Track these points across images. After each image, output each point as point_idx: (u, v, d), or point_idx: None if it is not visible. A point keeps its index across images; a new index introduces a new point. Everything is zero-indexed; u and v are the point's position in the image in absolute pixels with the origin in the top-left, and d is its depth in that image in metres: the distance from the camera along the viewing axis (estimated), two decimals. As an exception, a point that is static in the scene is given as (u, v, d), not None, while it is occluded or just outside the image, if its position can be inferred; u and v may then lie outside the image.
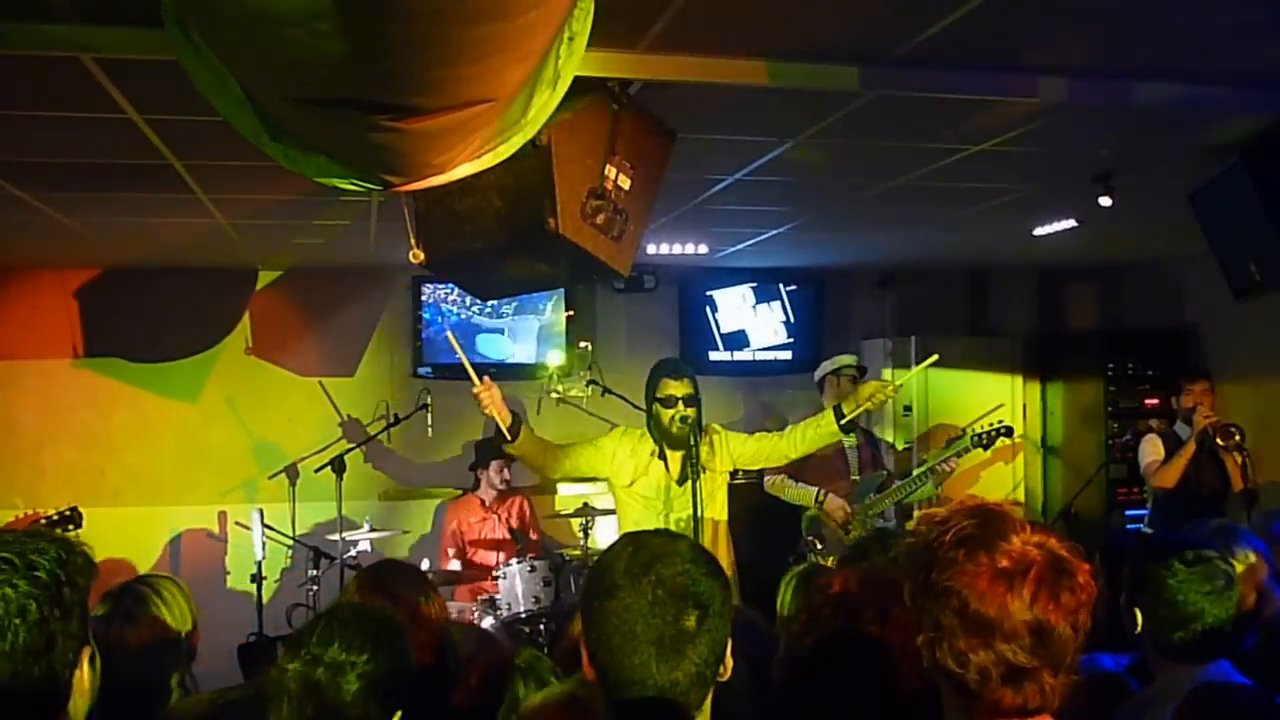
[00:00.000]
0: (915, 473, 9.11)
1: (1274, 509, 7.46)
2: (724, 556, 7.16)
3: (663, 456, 7.05)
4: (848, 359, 9.68)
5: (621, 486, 7.12)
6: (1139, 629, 3.84)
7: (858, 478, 9.25)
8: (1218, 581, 3.78)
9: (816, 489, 8.95)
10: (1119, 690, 4.02)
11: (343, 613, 3.57)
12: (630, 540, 2.73)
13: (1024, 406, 11.51)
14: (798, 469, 9.10)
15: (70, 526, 8.24)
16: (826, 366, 9.73)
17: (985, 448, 9.40)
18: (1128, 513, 10.60)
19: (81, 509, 8.20)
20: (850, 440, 9.23)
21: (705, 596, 2.57)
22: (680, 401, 6.91)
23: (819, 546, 8.81)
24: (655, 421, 7.04)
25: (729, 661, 2.64)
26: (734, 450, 7.24)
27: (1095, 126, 5.70)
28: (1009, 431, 9.41)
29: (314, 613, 7.81)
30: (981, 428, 9.29)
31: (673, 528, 6.87)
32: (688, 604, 2.53)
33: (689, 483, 6.74)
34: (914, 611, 2.42)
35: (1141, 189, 6.88)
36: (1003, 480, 11.32)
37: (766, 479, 9.13)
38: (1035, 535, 2.35)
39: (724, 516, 7.23)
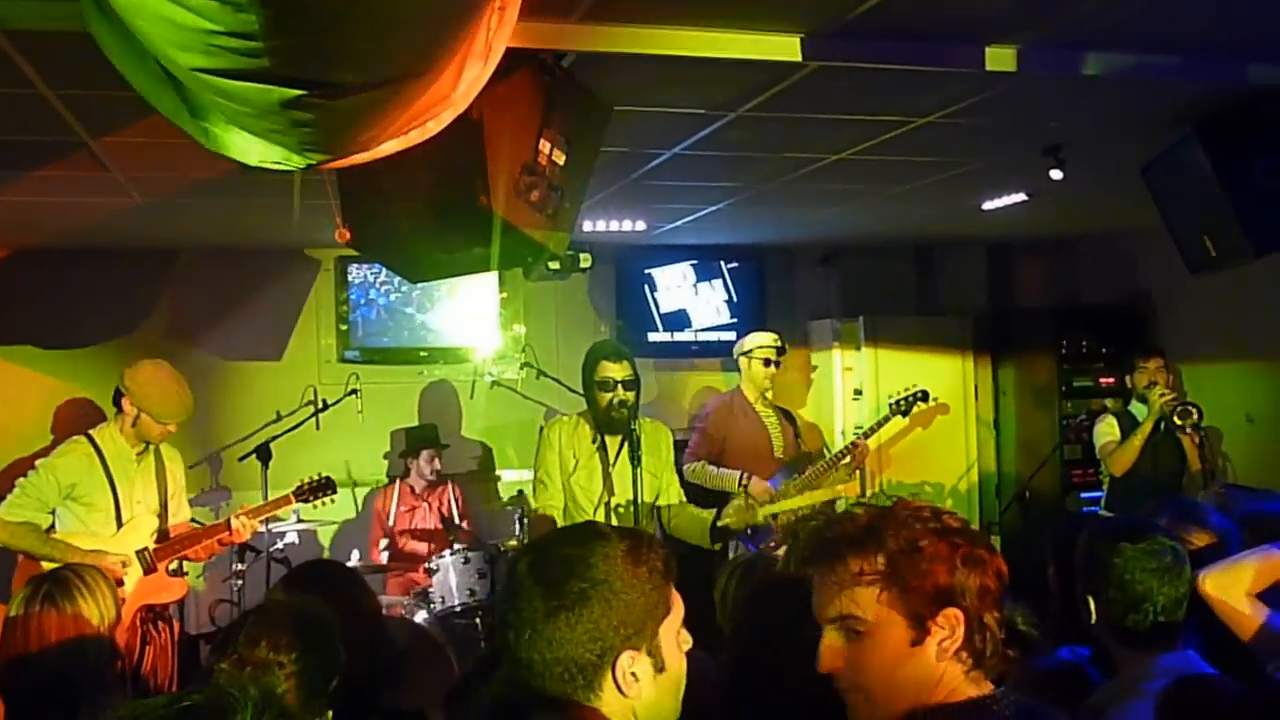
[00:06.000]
0: (830, 454, 9.23)
1: (1230, 485, 7.54)
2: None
3: (603, 446, 7.08)
4: (762, 339, 9.65)
5: (565, 476, 7.14)
6: (1094, 618, 3.86)
7: (782, 456, 9.34)
8: (1165, 559, 3.80)
9: (740, 472, 8.97)
10: (1080, 681, 4.04)
11: (270, 610, 3.57)
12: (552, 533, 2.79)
13: (975, 387, 11.57)
14: (719, 453, 9.18)
15: (326, 494, 8.18)
16: (742, 344, 9.76)
17: (905, 414, 9.63)
18: (1084, 494, 10.66)
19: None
20: (772, 418, 9.33)
21: (589, 584, 2.62)
22: (619, 385, 6.96)
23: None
24: (593, 406, 7.08)
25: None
26: (659, 455, 7.31)
27: (1045, 98, 5.73)
28: (924, 396, 9.65)
29: (239, 609, 7.81)
30: (898, 394, 9.55)
31: (614, 515, 6.92)
32: (565, 586, 2.62)
33: (630, 468, 6.77)
34: None
35: (1093, 161, 6.93)
36: (955, 462, 11.37)
37: (686, 467, 9.06)
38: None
39: (679, 496, 7.34)
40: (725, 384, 11.22)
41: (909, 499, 2.76)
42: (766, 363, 9.42)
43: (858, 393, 11.18)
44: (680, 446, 8.78)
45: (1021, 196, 8.34)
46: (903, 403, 9.59)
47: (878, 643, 2.60)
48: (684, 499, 7.54)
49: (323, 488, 8.13)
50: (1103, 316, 11.14)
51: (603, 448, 7.12)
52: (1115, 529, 3.95)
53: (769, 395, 9.54)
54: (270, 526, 8.43)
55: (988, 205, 8.76)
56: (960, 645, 2.60)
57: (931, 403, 9.98)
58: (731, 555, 7.95)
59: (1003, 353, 11.86)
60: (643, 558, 2.67)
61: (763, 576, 4.23)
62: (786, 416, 9.68)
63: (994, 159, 7.17)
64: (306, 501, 8.09)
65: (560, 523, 7.09)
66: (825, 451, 9.86)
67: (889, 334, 11.24)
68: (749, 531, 8.53)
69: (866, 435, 9.57)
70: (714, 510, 7.34)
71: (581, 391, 7.30)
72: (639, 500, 6.66)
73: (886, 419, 9.72)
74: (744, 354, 9.61)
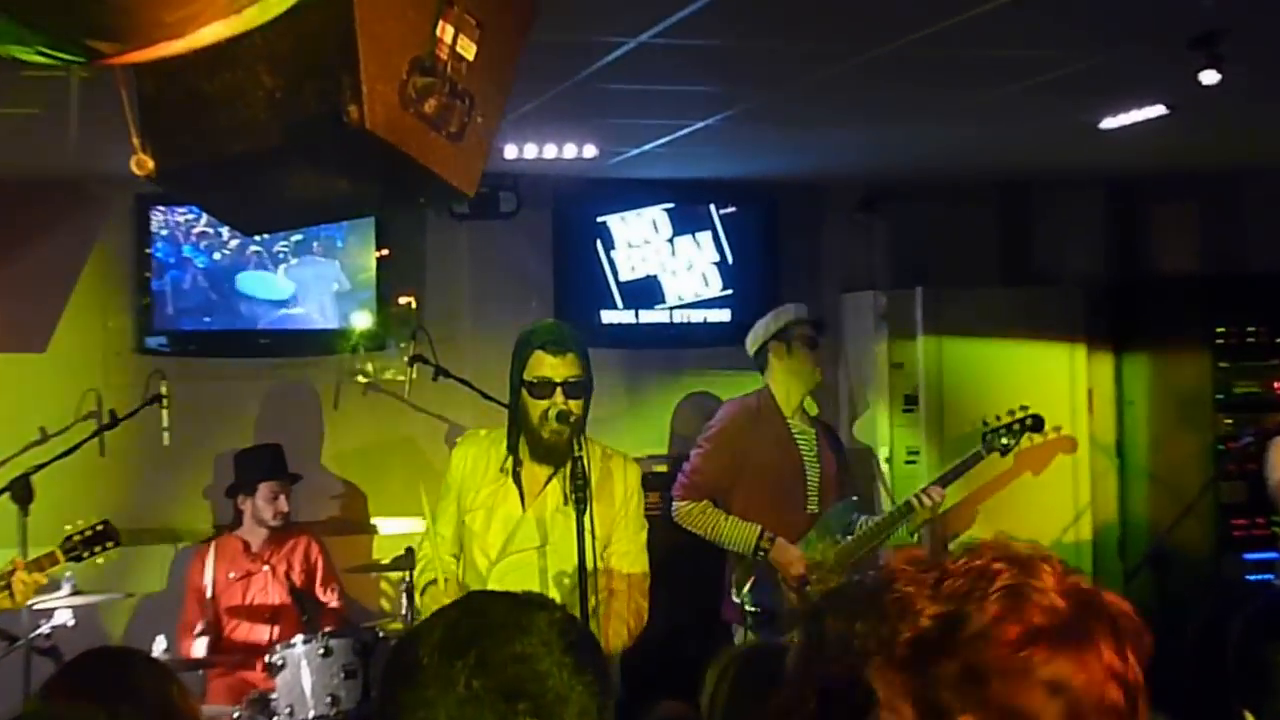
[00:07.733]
0: (889, 508, 9.19)
1: None
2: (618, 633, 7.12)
3: (517, 478, 6.97)
4: (793, 311, 9.67)
5: (463, 515, 7.07)
6: None
7: (816, 509, 9.32)
8: None
9: (760, 528, 8.98)
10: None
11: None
12: (464, 602, 2.79)
13: (1089, 392, 11.58)
14: (727, 490, 9.13)
15: (104, 545, 8.10)
16: (767, 328, 9.70)
17: (1004, 453, 9.48)
18: (1248, 555, 10.66)
19: None
20: (808, 439, 9.28)
21: (551, 699, 2.56)
22: (559, 388, 6.80)
23: (754, 610, 8.80)
24: (521, 417, 6.96)
25: None
26: (613, 504, 7.16)
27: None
28: (1037, 424, 9.54)
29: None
30: (994, 423, 9.38)
31: (548, 585, 6.84)
32: (518, 705, 2.53)
33: (575, 514, 6.69)
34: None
35: (1265, 58, 6.95)
36: (1060, 505, 11.32)
37: (677, 506, 9.13)
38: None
39: (639, 570, 7.15)
40: (719, 387, 11.20)
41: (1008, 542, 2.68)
42: (813, 343, 9.36)
43: (911, 402, 11.16)
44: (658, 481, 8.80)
45: (1159, 110, 8.35)
46: (1004, 434, 9.48)
47: None
48: (645, 575, 7.26)
49: (100, 538, 8.05)
50: (1278, 290, 11.15)
51: (517, 480, 7.06)
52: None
53: (808, 403, 9.47)
54: (33, 601, 8.39)
55: (1107, 124, 8.79)
56: None
57: (1049, 434, 9.94)
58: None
59: (1130, 343, 11.91)
60: (585, 631, 2.70)
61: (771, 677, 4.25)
62: (830, 436, 9.72)
63: (1117, 54, 7.19)
64: (79, 560, 8.00)
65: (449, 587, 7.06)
66: (880, 493, 9.83)
67: (960, 314, 11.25)
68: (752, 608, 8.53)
69: (945, 481, 9.53)
70: None
71: (504, 399, 7.23)
72: (585, 564, 6.56)
73: (976, 458, 9.64)
74: (775, 337, 9.55)
